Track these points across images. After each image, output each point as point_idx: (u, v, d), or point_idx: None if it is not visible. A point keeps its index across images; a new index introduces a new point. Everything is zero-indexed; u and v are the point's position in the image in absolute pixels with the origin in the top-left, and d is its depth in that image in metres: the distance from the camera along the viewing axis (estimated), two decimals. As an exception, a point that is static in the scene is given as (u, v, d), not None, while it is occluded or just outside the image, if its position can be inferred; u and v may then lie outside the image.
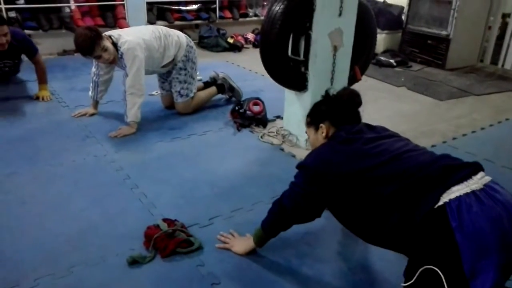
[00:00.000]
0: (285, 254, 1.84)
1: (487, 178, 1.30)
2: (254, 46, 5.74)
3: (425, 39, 5.14)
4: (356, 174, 1.41)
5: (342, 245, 1.95)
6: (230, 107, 3.31)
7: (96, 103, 3.28)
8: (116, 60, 2.95)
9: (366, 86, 4.06)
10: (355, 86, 3.13)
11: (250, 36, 5.95)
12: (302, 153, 2.56)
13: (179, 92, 3.25)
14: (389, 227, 1.33)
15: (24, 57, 3.65)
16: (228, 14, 5.95)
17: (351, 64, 2.82)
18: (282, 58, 2.71)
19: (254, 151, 2.81)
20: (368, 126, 1.60)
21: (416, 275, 1.22)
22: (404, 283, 1.28)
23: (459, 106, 3.82)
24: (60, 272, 1.70)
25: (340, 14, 2.56)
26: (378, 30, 4.16)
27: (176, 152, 2.75)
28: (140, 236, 1.89)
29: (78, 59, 4.30)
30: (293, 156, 2.73)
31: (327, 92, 1.75)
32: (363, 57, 3.10)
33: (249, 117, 3.14)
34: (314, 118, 1.71)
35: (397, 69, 4.98)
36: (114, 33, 2.97)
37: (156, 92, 3.62)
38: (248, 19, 6.14)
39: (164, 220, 1.95)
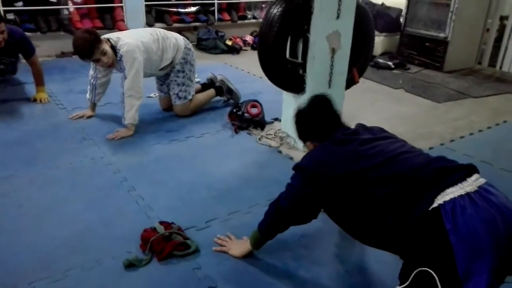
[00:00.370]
0: (282, 256, 1.84)
1: (482, 180, 1.30)
2: (253, 48, 5.74)
3: (423, 41, 5.15)
4: (351, 176, 1.41)
5: (338, 247, 1.95)
6: (228, 109, 3.31)
7: (93, 106, 3.27)
8: (114, 63, 2.94)
9: (364, 88, 4.07)
10: (353, 88, 3.14)
11: (249, 38, 5.96)
12: (300, 156, 2.55)
13: (177, 94, 3.25)
14: (384, 228, 1.33)
15: (22, 59, 3.64)
16: (226, 16, 5.96)
17: (349, 66, 2.82)
18: (280, 60, 2.71)
19: (251, 154, 2.81)
20: (364, 127, 1.60)
21: (411, 277, 1.22)
22: (399, 285, 1.28)
23: (457, 108, 3.82)
24: (56, 275, 1.69)
25: (338, 17, 2.56)
26: (376, 33, 4.18)
27: (174, 155, 2.74)
28: (137, 239, 1.88)
29: (76, 61, 4.30)
30: (291, 158, 2.73)
31: (298, 111, 1.73)
32: (361, 60, 3.11)
33: (247, 119, 3.14)
34: (300, 138, 1.75)
35: (395, 71, 4.98)
36: (113, 35, 2.97)
37: (154, 94, 3.62)
38: (246, 21, 6.14)
39: (161, 223, 1.95)
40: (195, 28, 5.84)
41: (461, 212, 1.19)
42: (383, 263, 1.78)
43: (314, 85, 2.68)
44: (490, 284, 1.13)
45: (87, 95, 3.23)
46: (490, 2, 4.99)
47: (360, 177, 1.39)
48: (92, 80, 3.14)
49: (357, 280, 1.74)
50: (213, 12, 5.84)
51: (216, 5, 5.80)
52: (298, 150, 2.82)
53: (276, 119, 3.27)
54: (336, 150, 1.49)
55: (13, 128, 3.04)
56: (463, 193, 1.23)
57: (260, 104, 3.21)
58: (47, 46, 4.87)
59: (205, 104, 3.52)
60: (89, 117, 3.24)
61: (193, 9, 5.73)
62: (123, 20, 5.18)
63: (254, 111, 3.15)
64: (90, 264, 1.75)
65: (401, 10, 5.45)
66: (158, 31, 3.19)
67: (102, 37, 2.90)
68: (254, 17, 6.21)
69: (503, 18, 5.13)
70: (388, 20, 5.43)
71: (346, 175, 1.42)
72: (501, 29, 5.11)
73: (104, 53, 2.84)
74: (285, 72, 2.75)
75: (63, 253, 1.82)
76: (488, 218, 1.18)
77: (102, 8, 5.15)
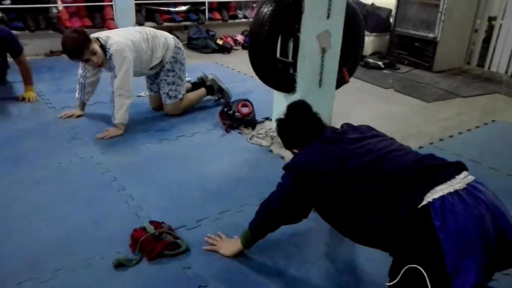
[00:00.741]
0: (273, 255, 1.84)
1: (470, 178, 1.31)
2: (244, 47, 5.74)
3: (412, 41, 5.19)
4: (341, 175, 1.41)
5: (329, 246, 1.95)
6: (219, 108, 3.30)
7: (83, 105, 3.24)
8: (104, 63, 2.92)
9: (354, 88, 4.09)
10: (344, 88, 3.15)
11: (240, 37, 5.95)
12: (290, 155, 2.55)
13: (167, 94, 3.24)
14: (373, 226, 1.34)
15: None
16: (217, 15, 5.95)
17: (339, 66, 2.84)
18: (271, 59, 2.71)
19: (242, 153, 2.81)
20: (352, 126, 1.61)
21: (400, 274, 1.23)
22: (389, 282, 1.29)
23: (446, 108, 3.86)
24: (44, 275, 1.67)
25: (328, 17, 2.57)
26: (366, 33, 4.20)
27: (164, 154, 2.73)
28: (127, 238, 1.87)
29: (65, 60, 4.25)
30: (282, 157, 2.73)
31: (278, 120, 1.72)
32: (351, 59, 3.12)
33: (238, 118, 3.13)
34: (286, 147, 1.76)
35: (385, 71, 5.01)
36: (102, 35, 2.94)
37: (144, 93, 3.60)
38: (237, 20, 6.14)
39: (151, 222, 1.93)
40: (186, 27, 5.82)
41: (450, 209, 1.20)
42: (373, 262, 1.79)
43: (304, 84, 2.69)
44: (479, 280, 1.14)
45: (76, 94, 3.20)
46: (478, 2, 5.04)
47: (349, 176, 1.40)
48: (81, 79, 3.12)
49: (347, 279, 1.75)
50: (203, 11, 5.82)
51: (206, 4, 5.79)
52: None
53: (267, 119, 3.27)
54: (326, 149, 1.50)
55: (0, 127, 3.00)
56: (452, 190, 1.25)
57: (251, 104, 3.21)
58: (36, 45, 4.82)
59: (196, 103, 3.51)
60: (78, 116, 3.21)
61: (183, 8, 5.70)
62: (112, 19, 5.14)
63: (245, 110, 3.15)
64: (79, 264, 1.74)
65: (391, 10, 5.49)
66: (148, 30, 3.17)
67: (91, 36, 2.87)
68: (245, 17, 6.21)
69: (491, 19, 5.19)
70: (378, 20, 5.46)
71: (335, 174, 1.42)
72: (490, 29, 5.16)
73: (94, 53, 2.81)
74: (276, 72, 2.76)
75: (52, 253, 1.80)
76: (477, 215, 1.19)
77: (92, 7, 5.11)
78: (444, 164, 1.36)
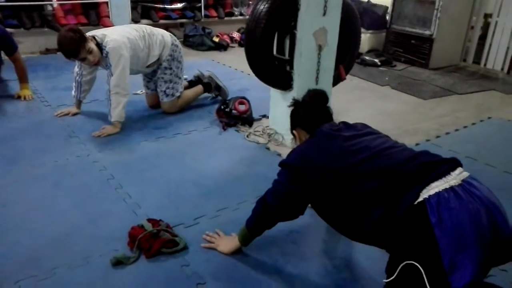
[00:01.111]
0: (271, 252, 1.84)
1: (465, 174, 1.32)
2: (240, 45, 5.73)
3: (409, 38, 5.19)
4: (337, 172, 1.42)
5: (326, 243, 1.96)
6: (216, 106, 3.30)
7: (79, 103, 3.23)
8: (100, 61, 2.91)
9: (350, 85, 4.10)
10: (340, 85, 3.16)
11: (236, 35, 5.94)
12: (287, 152, 2.56)
13: (164, 91, 3.23)
14: (370, 223, 1.34)
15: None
16: (213, 13, 5.94)
17: (336, 63, 2.84)
18: (267, 57, 2.71)
19: (240, 150, 2.81)
20: (347, 124, 1.62)
21: (397, 270, 1.24)
22: (386, 279, 1.29)
23: (442, 105, 3.87)
24: (42, 273, 1.67)
25: (324, 14, 2.57)
26: (363, 30, 4.20)
27: (161, 152, 2.72)
28: (124, 236, 1.86)
29: (60, 58, 4.23)
30: (279, 155, 2.73)
31: (293, 99, 1.77)
32: (347, 57, 3.12)
33: (235, 116, 3.13)
34: (291, 126, 1.77)
35: (381, 68, 5.02)
36: (98, 33, 2.92)
37: (141, 91, 3.59)
38: (233, 18, 6.13)
39: (149, 220, 1.93)
40: (182, 24, 5.81)
41: (446, 205, 1.21)
42: (371, 259, 1.80)
43: (301, 81, 2.69)
44: (475, 276, 1.15)
45: (72, 92, 3.18)
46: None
47: (345, 173, 1.40)
48: (77, 77, 3.10)
49: (345, 275, 1.75)
50: (199, 9, 5.81)
51: (202, 1, 5.77)
52: (286, 147, 2.82)
53: (264, 116, 3.27)
54: (322, 146, 1.50)
55: (-4, 125, 2.99)
56: (447, 186, 1.25)
57: (248, 101, 3.21)
58: (31, 43, 4.80)
59: (193, 101, 3.50)
60: (75, 114, 3.20)
61: (179, 5, 5.69)
62: (108, 16, 5.12)
63: (242, 108, 3.15)
64: (77, 262, 1.74)
65: (387, 8, 5.49)
66: (144, 27, 3.16)
67: (87, 34, 2.86)
68: (241, 14, 6.20)
69: (487, 16, 5.20)
70: (374, 18, 5.46)
71: (331, 171, 1.43)
72: (485, 26, 5.18)
73: (90, 52, 2.80)
74: (272, 69, 2.75)
75: (50, 251, 1.79)
76: (472, 211, 1.20)
77: (87, 4, 5.09)
78: (439, 160, 1.37)
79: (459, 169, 1.33)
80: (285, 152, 2.71)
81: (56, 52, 4.75)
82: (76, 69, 3.09)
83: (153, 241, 1.80)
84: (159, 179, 2.40)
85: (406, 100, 3.96)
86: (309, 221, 1.94)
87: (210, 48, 5.51)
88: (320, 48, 2.66)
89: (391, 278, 1.26)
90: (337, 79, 3.04)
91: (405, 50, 5.25)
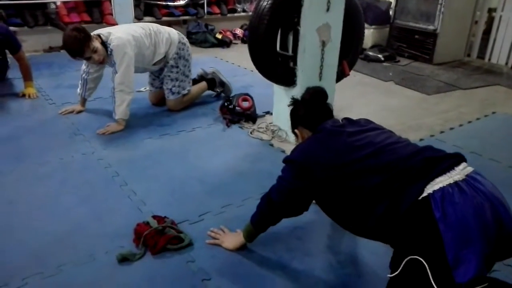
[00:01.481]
0: (275, 248, 1.85)
1: (469, 169, 1.32)
2: (243, 41, 5.72)
3: (412, 34, 5.17)
4: (341, 167, 1.42)
5: (331, 238, 1.96)
6: (219, 103, 3.30)
7: (84, 101, 3.24)
8: (106, 60, 2.91)
9: (354, 81, 4.09)
10: (344, 81, 3.15)
11: (239, 31, 5.93)
12: (291, 149, 2.56)
13: (170, 89, 3.23)
14: (374, 218, 1.35)
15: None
16: (216, 9, 5.93)
17: (339, 59, 2.83)
18: (271, 53, 2.71)
19: (243, 147, 2.81)
20: (351, 120, 1.62)
21: (402, 265, 1.24)
22: (390, 274, 1.30)
23: (446, 100, 3.86)
24: (48, 271, 1.68)
25: (328, 9, 2.57)
26: (366, 25, 4.19)
27: (165, 149, 2.73)
28: (130, 233, 1.88)
29: (64, 56, 4.23)
30: (283, 151, 2.74)
31: (293, 98, 1.77)
32: (351, 52, 3.12)
33: (239, 113, 3.14)
34: (291, 125, 1.77)
35: (385, 64, 5.01)
36: (103, 31, 2.93)
37: (144, 88, 3.60)
38: (236, 14, 6.11)
39: (154, 217, 1.94)
40: (185, 21, 5.80)
41: (450, 200, 1.21)
42: (375, 254, 1.80)
43: (304, 78, 2.68)
44: (479, 271, 1.15)
45: (78, 90, 3.19)
46: (478, -6, 5.04)
47: (349, 168, 1.40)
48: (84, 75, 3.11)
49: (350, 271, 1.76)
50: (202, 5, 5.80)
51: (205, -2, 5.77)
52: (290, 143, 2.82)
53: (268, 113, 3.27)
54: (325, 142, 1.51)
55: (1, 123, 3.00)
56: (451, 181, 1.25)
57: (252, 98, 3.21)
58: (35, 41, 4.81)
59: (198, 98, 3.51)
60: (79, 112, 3.21)
61: (182, 2, 5.68)
62: (111, 14, 5.12)
63: (245, 104, 3.15)
64: (83, 259, 1.75)
65: (390, 3, 5.47)
66: (151, 25, 3.16)
67: (93, 33, 2.86)
68: (243, 10, 6.18)
69: (491, 10, 5.18)
70: (377, 13, 5.44)
71: (335, 167, 1.43)
72: (490, 21, 5.15)
73: (95, 51, 2.81)
74: (276, 65, 2.75)
75: (56, 248, 1.81)
76: (476, 206, 1.20)
77: (90, 2, 5.09)
78: (443, 155, 1.37)
79: (463, 164, 1.33)
80: (289, 148, 2.72)
81: (60, 50, 4.78)
82: (84, 66, 3.10)
83: (159, 238, 1.81)
84: (164, 176, 2.40)
85: (410, 96, 3.95)
86: (313, 217, 1.95)
87: (213, 45, 5.50)
88: (323, 44, 2.65)
89: (396, 273, 1.27)
90: (341, 75, 3.04)
91: (409, 45, 5.24)
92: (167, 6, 5.59)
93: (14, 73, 3.82)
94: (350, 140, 1.46)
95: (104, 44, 2.86)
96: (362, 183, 1.37)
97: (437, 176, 1.27)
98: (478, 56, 5.23)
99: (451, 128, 3.21)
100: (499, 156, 2.75)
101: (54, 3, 4.89)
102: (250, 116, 3.16)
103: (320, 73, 2.72)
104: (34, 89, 3.55)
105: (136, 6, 5.32)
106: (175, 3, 5.65)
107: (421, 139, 2.96)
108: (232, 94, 3.42)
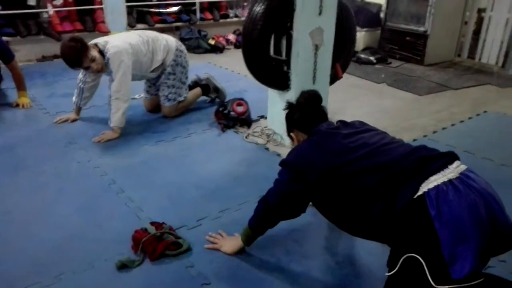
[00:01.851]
0: (274, 251, 1.86)
1: (463, 167, 1.34)
2: (236, 47, 5.75)
3: (403, 35, 5.22)
4: (336, 169, 1.44)
5: (328, 240, 1.98)
6: (214, 108, 3.31)
7: (78, 109, 3.24)
8: (104, 68, 2.92)
9: (347, 83, 4.12)
10: (337, 84, 3.18)
11: (231, 37, 5.96)
12: (287, 152, 2.57)
13: (166, 96, 3.24)
14: (371, 218, 1.37)
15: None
16: (208, 15, 5.95)
17: (332, 62, 2.86)
18: (265, 58, 2.73)
19: (239, 152, 2.82)
20: (345, 123, 1.64)
21: (399, 263, 1.26)
22: (388, 272, 1.31)
23: (438, 100, 3.90)
24: (47, 280, 1.68)
25: (320, 13, 2.59)
26: (358, 28, 4.22)
27: (161, 155, 2.74)
28: (128, 240, 1.88)
29: (57, 65, 4.25)
30: (278, 155, 2.75)
31: (288, 102, 1.80)
32: (343, 55, 3.15)
33: (233, 117, 3.15)
34: (287, 129, 1.80)
35: (377, 66, 5.05)
36: (101, 40, 2.94)
37: (139, 95, 3.60)
38: (228, 20, 6.14)
39: (152, 223, 1.95)
40: (177, 28, 5.82)
41: (444, 198, 1.23)
42: (373, 254, 1.82)
43: (298, 81, 2.71)
44: (475, 266, 1.17)
45: (73, 98, 3.19)
46: (467, -5, 5.10)
47: (345, 170, 1.42)
48: (80, 84, 3.11)
49: (348, 271, 1.77)
50: (195, 12, 5.82)
51: (197, 4, 5.79)
52: (285, 147, 2.84)
53: (262, 117, 3.29)
54: (321, 144, 1.53)
55: (-4, 134, 3.00)
56: (445, 180, 1.27)
57: (246, 102, 3.23)
58: (28, 51, 4.80)
59: (192, 104, 3.52)
60: (74, 120, 3.21)
61: (174, 9, 5.70)
62: (104, 22, 5.13)
63: (240, 109, 3.17)
64: (82, 267, 1.75)
65: (381, 5, 5.52)
66: (148, 33, 3.18)
67: (90, 43, 2.87)
68: (236, 16, 6.22)
69: (480, 11, 5.24)
70: (368, 16, 5.49)
71: (331, 169, 1.45)
72: (479, 21, 5.21)
73: (93, 60, 2.82)
74: (270, 70, 2.78)
75: (54, 257, 1.81)
76: (470, 203, 1.22)
77: (82, 10, 5.09)
78: (436, 154, 1.39)
79: (456, 162, 1.35)
80: (284, 152, 2.74)
81: (53, 59, 4.77)
82: (80, 75, 3.10)
83: (157, 244, 1.82)
84: (160, 182, 2.41)
85: (402, 97, 3.98)
86: (310, 219, 1.96)
87: (206, 51, 5.52)
88: (316, 47, 2.68)
89: (393, 271, 1.28)
90: (334, 77, 3.06)
91: (400, 47, 5.28)
92: (160, 13, 5.61)
93: (7, 83, 3.81)
94: (345, 141, 1.48)
95: (101, 52, 2.87)
96: (358, 184, 1.39)
97: (431, 175, 1.29)
98: (469, 56, 5.29)
99: (444, 128, 3.25)
100: (492, 154, 2.79)
101: (47, 12, 4.88)
102: (245, 120, 3.18)
103: (314, 76, 2.75)
104: (28, 99, 3.54)
105: (129, 13, 5.33)
106: (168, 10, 5.67)
107: (414, 140, 2.99)
108: (226, 99, 3.43)
